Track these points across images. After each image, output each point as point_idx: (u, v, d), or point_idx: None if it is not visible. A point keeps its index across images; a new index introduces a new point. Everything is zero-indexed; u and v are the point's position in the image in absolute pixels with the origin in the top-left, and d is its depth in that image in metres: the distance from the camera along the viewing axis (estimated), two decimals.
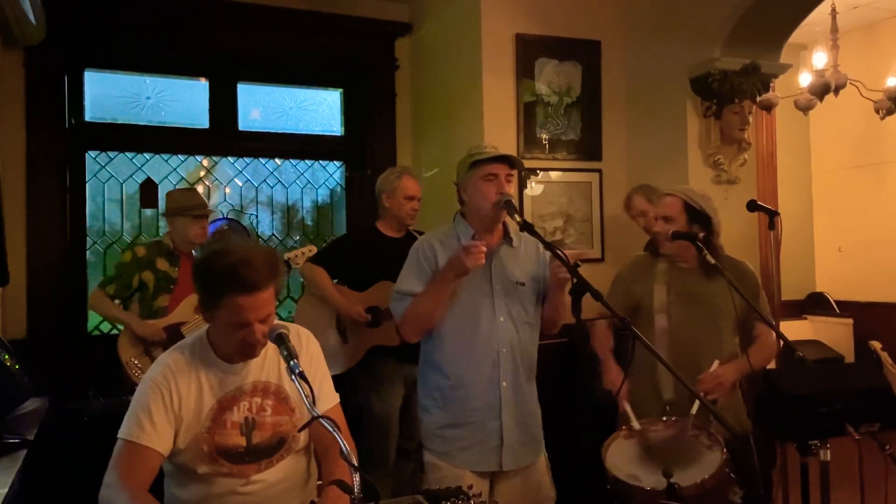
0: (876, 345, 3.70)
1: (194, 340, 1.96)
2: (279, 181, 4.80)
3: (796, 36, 3.94)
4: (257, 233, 4.74)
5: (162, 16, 4.22)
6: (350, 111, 4.93)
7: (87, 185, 4.28)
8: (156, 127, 4.47)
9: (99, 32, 4.15)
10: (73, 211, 4.15)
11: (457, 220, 2.55)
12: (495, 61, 3.99)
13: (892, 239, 5.95)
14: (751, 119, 3.93)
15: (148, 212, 4.42)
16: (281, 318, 2.46)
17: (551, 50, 4.13)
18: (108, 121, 4.38)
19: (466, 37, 4.10)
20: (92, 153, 4.31)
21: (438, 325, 2.46)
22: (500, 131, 3.95)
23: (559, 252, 2.24)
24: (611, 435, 2.36)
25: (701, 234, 2.67)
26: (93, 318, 4.18)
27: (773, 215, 3.05)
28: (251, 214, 4.73)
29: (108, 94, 4.38)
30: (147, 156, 4.45)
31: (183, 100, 4.55)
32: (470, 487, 1.84)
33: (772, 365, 3.60)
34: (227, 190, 4.69)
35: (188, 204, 3.54)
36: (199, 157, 4.63)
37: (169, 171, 4.50)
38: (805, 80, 4.81)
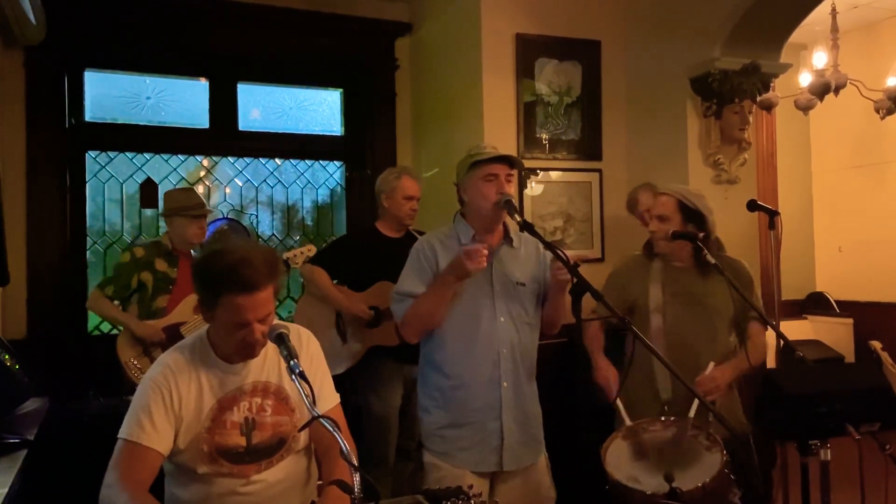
0: (876, 345, 3.69)
1: (194, 340, 1.96)
2: (279, 181, 4.80)
3: (796, 36, 3.94)
4: (257, 233, 4.74)
5: (162, 16, 4.22)
6: (350, 111, 4.92)
7: (87, 185, 4.28)
8: (156, 127, 4.47)
9: (99, 32, 4.15)
10: (73, 211, 4.15)
11: (457, 221, 2.55)
12: (495, 61, 3.99)
13: (892, 239, 5.95)
14: (751, 119, 3.93)
15: (148, 212, 4.42)
16: (281, 318, 2.46)
17: (551, 50, 4.13)
18: (108, 121, 4.38)
19: (466, 37, 4.10)
20: (92, 153, 4.31)
21: (439, 325, 2.45)
22: (500, 131, 3.95)
23: (559, 252, 2.24)
24: (609, 436, 2.36)
25: (701, 234, 2.67)
26: (93, 318, 4.18)
27: (773, 215, 3.05)
28: (251, 214, 4.73)
29: (108, 94, 4.38)
30: (147, 156, 4.45)
31: (183, 100, 4.55)
32: (470, 487, 1.84)
33: (772, 365, 3.60)
34: (227, 190, 4.69)
35: (186, 204, 3.54)
36: (199, 157, 4.63)
37: (169, 171, 4.50)
38: (805, 79, 4.81)
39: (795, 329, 5.73)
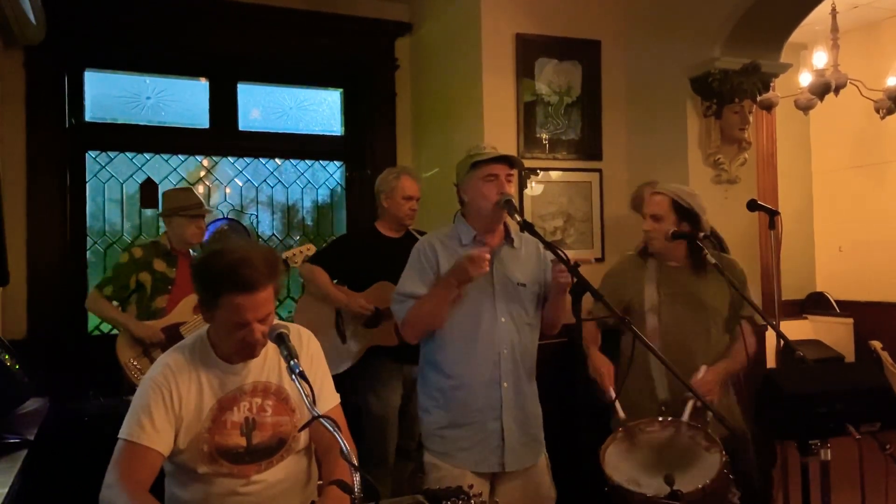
0: (876, 344, 3.69)
1: (195, 340, 1.96)
2: (279, 181, 4.80)
3: (796, 35, 3.94)
4: (257, 233, 4.74)
5: (162, 16, 4.22)
6: (350, 111, 4.92)
7: (87, 185, 4.28)
8: (156, 127, 4.47)
9: (99, 32, 4.14)
10: (73, 211, 4.15)
11: (457, 221, 2.55)
12: (495, 61, 3.99)
13: (892, 239, 5.95)
14: (751, 118, 3.93)
15: (148, 212, 4.42)
16: (281, 318, 2.46)
17: (551, 50, 4.12)
18: (108, 121, 4.38)
19: (466, 37, 4.10)
20: (92, 153, 4.31)
21: (440, 326, 2.45)
22: (500, 131, 3.95)
23: (559, 252, 2.24)
24: (608, 437, 2.36)
25: (701, 234, 2.67)
26: (93, 319, 4.18)
27: (773, 215, 3.05)
28: (251, 214, 4.73)
29: (108, 94, 4.37)
30: (147, 156, 4.45)
31: (183, 100, 4.55)
32: (470, 487, 1.85)
33: (772, 364, 3.60)
34: (228, 190, 4.69)
35: (184, 204, 3.53)
36: (199, 157, 4.62)
37: (169, 171, 4.50)
38: (805, 79, 4.82)
39: (795, 329, 5.73)
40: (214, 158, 4.67)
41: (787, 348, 2.50)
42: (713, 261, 2.59)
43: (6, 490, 2.05)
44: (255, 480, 1.92)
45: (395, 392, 3.53)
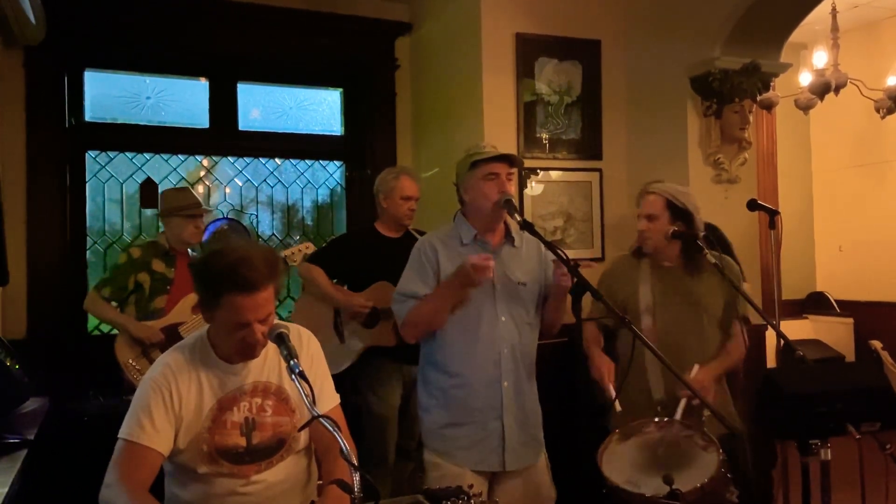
0: (876, 344, 3.69)
1: (195, 340, 1.96)
2: (279, 181, 4.80)
3: (796, 35, 3.94)
4: (257, 233, 4.74)
5: (162, 16, 4.22)
6: (350, 111, 4.92)
7: (87, 185, 4.27)
8: (156, 127, 4.46)
9: (99, 32, 4.14)
10: (73, 211, 4.15)
11: (458, 220, 2.55)
12: (495, 61, 3.99)
13: (892, 238, 5.95)
14: (751, 118, 3.93)
15: (148, 212, 4.41)
16: (281, 318, 2.46)
17: (551, 49, 4.12)
18: (108, 121, 4.38)
19: (466, 36, 4.10)
20: (92, 153, 4.30)
21: (440, 327, 2.46)
22: (500, 131, 3.95)
23: (560, 252, 2.24)
24: (605, 439, 2.36)
25: (701, 234, 2.67)
26: (93, 319, 4.17)
27: (773, 214, 3.05)
28: (251, 214, 4.73)
29: (108, 94, 4.37)
30: (147, 156, 4.45)
31: (183, 100, 4.54)
32: (470, 487, 1.84)
33: (772, 364, 3.60)
34: (227, 190, 4.69)
35: (181, 204, 3.52)
36: (199, 157, 4.62)
37: (169, 171, 4.49)
38: (805, 79, 4.82)
39: (796, 329, 5.74)
40: (214, 158, 4.66)
41: (788, 348, 2.50)
42: (713, 261, 2.59)
43: (6, 490, 2.05)
44: (254, 480, 1.92)
45: (394, 392, 3.53)
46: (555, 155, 4.14)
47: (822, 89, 4.60)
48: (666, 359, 2.25)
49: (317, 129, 4.90)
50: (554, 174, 4.15)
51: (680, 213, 2.67)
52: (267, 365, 1.97)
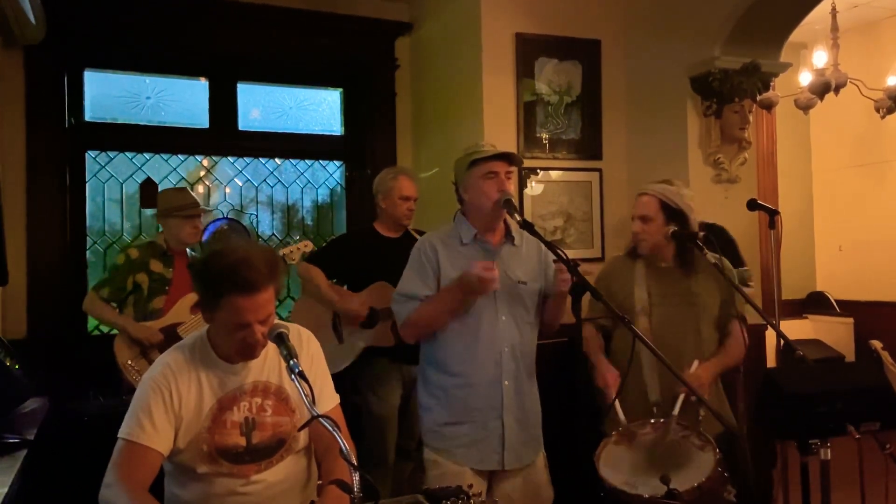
0: (876, 344, 3.69)
1: (195, 340, 1.96)
2: (279, 181, 4.80)
3: (796, 35, 3.94)
4: (257, 233, 4.74)
5: (162, 16, 4.22)
6: (350, 111, 4.92)
7: (87, 185, 4.27)
8: (156, 127, 4.46)
9: (99, 32, 4.14)
10: (73, 211, 4.15)
11: (458, 220, 2.55)
12: (495, 61, 3.99)
13: (892, 238, 5.95)
14: (751, 118, 3.93)
15: (148, 212, 4.41)
16: (280, 318, 2.46)
17: (551, 49, 4.12)
18: (108, 121, 4.38)
19: (466, 36, 4.10)
20: (92, 153, 4.30)
21: (441, 330, 2.46)
22: (500, 131, 3.95)
23: (559, 252, 2.24)
24: (601, 441, 2.36)
25: (701, 234, 2.67)
26: (93, 319, 4.18)
27: (773, 214, 3.05)
28: (251, 214, 4.73)
29: (108, 93, 4.37)
30: (147, 156, 4.45)
31: (183, 100, 4.54)
32: (470, 486, 1.84)
33: (772, 364, 3.60)
34: (227, 190, 4.69)
35: (178, 204, 3.50)
36: (199, 157, 4.62)
37: (169, 171, 4.49)
38: (805, 78, 4.82)
39: (796, 328, 5.74)
40: (214, 158, 4.67)
41: (788, 348, 2.50)
42: (713, 261, 2.59)
43: (6, 490, 2.05)
44: (254, 480, 1.92)
45: (394, 392, 3.53)
46: (555, 155, 4.14)
47: (822, 89, 4.60)
48: (665, 358, 2.24)
49: (317, 129, 4.90)
50: (554, 174, 4.15)
51: (674, 213, 2.67)
52: (267, 365, 1.97)
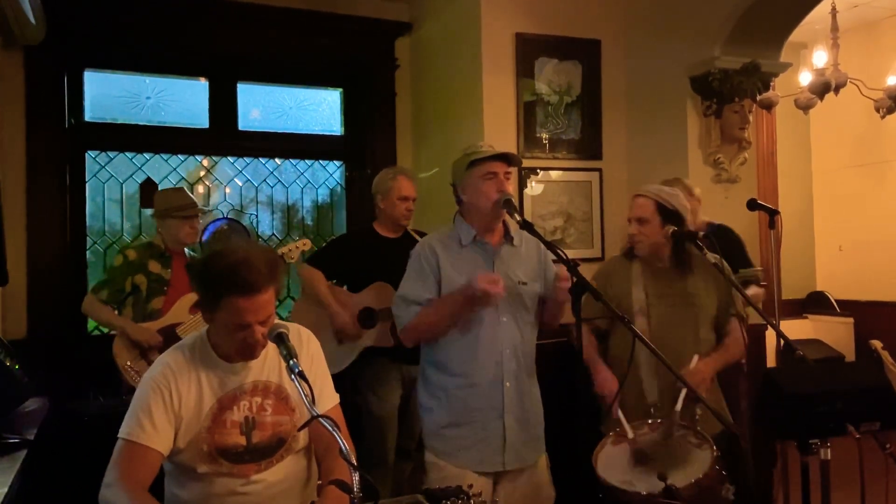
0: (876, 344, 3.69)
1: (194, 340, 1.96)
2: (279, 181, 4.80)
3: (796, 35, 3.94)
4: (257, 233, 4.74)
5: (162, 16, 4.22)
6: (350, 111, 4.92)
7: (87, 185, 4.27)
8: (156, 127, 4.47)
9: (99, 32, 4.14)
10: (73, 211, 4.15)
11: (457, 221, 2.54)
12: (495, 61, 3.99)
13: (892, 238, 5.95)
14: (751, 118, 3.93)
15: (148, 212, 4.41)
16: (281, 318, 2.46)
17: (551, 49, 4.12)
18: (108, 121, 4.38)
19: (466, 36, 4.10)
20: (92, 153, 4.30)
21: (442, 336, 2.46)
22: (500, 131, 3.95)
23: (559, 252, 2.24)
24: (599, 442, 2.36)
25: (701, 234, 2.67)
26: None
27: (773, 214, 3.05)
28: (251, 214, 4.73)
29: (108, 94, 4.37)
30: (147, 156, 4.45)
31: (183, 100, 4.55)
32: (470, 487, 1.84)
33: (772, 364, 3.60)
34: (227, 190, 4.69)
35: (175, 205, 3.49)
36: (199, 157, 4.62)
37: (169, 171, 4.50)
38: (805, 78, 4.82)
39: (796, 328, 5.74)
40: (214, 158, 4.67)
41: (788, 348, 2.50)
42: (713, 261, 2.59)
43: (6, 490, 2.06)
44: (254, 480, 1.92)
45: (394, 392, 3.53)
46: (555, 155, 4.14)
47: (822, 89, 4.60)
48: (665, 357, 2.24)
49: (317, 129, 4.90)
50: (554, 174, 4.15)
51: (670, 214, 2.67)
52: (267, 364, 1.97)
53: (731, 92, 3.78)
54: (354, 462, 1.58)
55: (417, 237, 3.38)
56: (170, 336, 3.30)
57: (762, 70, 3.82)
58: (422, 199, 3.69)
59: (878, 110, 4.99)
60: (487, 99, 3.97)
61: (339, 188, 4.96)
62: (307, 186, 4.87)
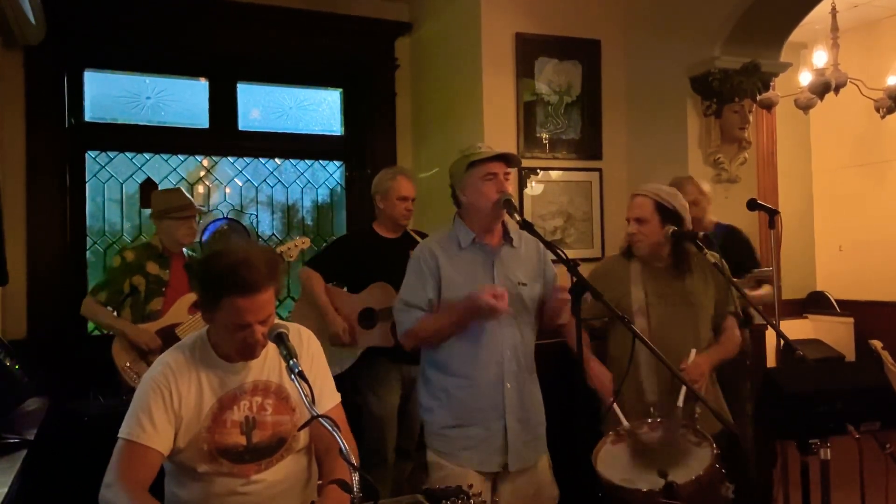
0: (876, 343, 3.70)
1: (194, 340, 1.96)
2: (279, 181, 4.80)
3: (796, 34, 3.94)
4: (257, 233, 4.74)
5: (162, 16, 4.22)
6: (350, 111, 4.92)
7: (87, 185, 4.28)
8: (156, 127, 4.47)
9: (99, 32, 4.15)
10: (73, 211, 4.15)
11: (455, 223, 2.54)
12: (495, 60, 3.99)
13: (892, 238, 5.95)
14: (751, 118, 3.93)
15: (147, 211, 4.41)
16: (281, 318, 2.46)
17: (551, 49, 4.13)
18: (108, 121, 4.38)
19: (466, 36, 4.10)
20: (92, 153, 4.31)
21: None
22: (500, 131, 3.95)
23: (559, 252, 2.24)
24: (599, 441, 2.36)
25: (701, 234, 2.67)
26: None
27: (773, 214, 3.05)
28: (251, 214, 4.73)
29: (108, 94, 4.38)
30: (147, 156, 4.46)
31: (183, 100, 4.55)
32: (470, 487, 1.84)
33: (772, 364, 3.60)
34: (227, 190, 4.69)
35: (172, 206, 3.47)
36: (199, 157, 4.63)
37: (169, 171, 4.50)
38: (805, 78, 4.82)
39: (796, 328, 5.74)
40: (214, 158, 4.67)
41: (788, 348, 2.50)
42: (713, 260, 2.59)
43: (6, 490, 2.05)
44: (254, 480, 1.92)
45: (393, 391, 3.53)
46: (555, 155, 4.14)
47: (822, 89, 4.60)
48: (664, 357, 2.24)
49: (317, 129, 4.90)
50: (554, 174, 4.15)
51: (669, 214, 2.66)
52: (267, 364, 1.97)
53: (731, 92, 3.78)
54: (354, 462, 1.58)
55: (417, 237, 3.39)
56: (169, 336, 3.29)
57: (762, 70, 3.83)
58: (422, 199, 3.69)
59: (878, 110, 4.99)
60: (487, 99, 3.97)
61: (339, 188, 4.96)
62: (307, 186, 4.87)
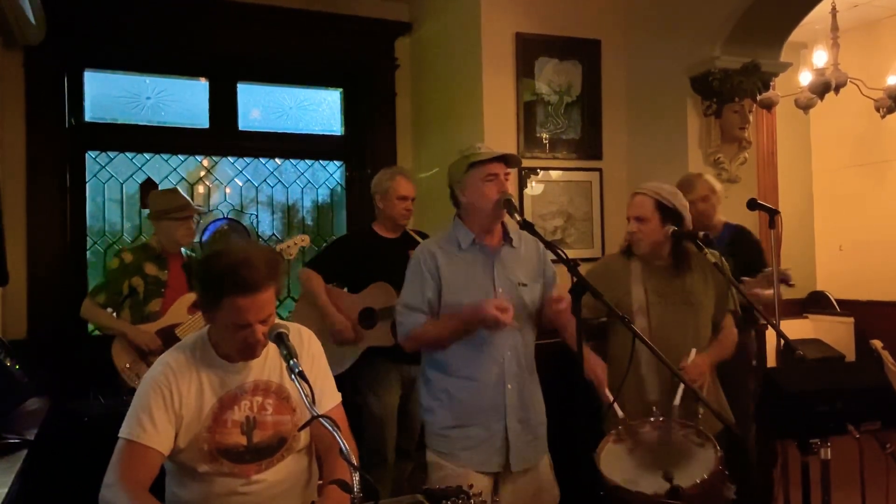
0: (877, 343, 3.69)
1: (195, 340, 1.96)
2: (279, 181, 4.80)
3: (796, 34, 3.94)
4: (257, 233, 4.74)
5: (162, 16, 4.22)
6: (350, 111, 4.93)
7: (87, 185, 4.28)
8: (156, 127, 4.47)
9: (99, 32, 4.15)
10: (73, 211, 4.15)
11: (455, 224, 2.53)
12: (495, 60, 3.99)
13: (892, 238, 5.95)
14: (751, 118, 3.93)
15: (147, 212, 4.41)
16: (281, 318, 2.46)
17: (551, 49, 4.13)
18: (108, 121, 4.38)
19: (466, 36, 4.10)
20: (92, 153, 4.31)
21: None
22: (500, 131, 3.95)
23: (559, 252, 2.24)
24: (601, 440, 2.35)
25: (701, 233, 2.67)
26: None
27: (773, 214, 3.05)
28: (251, 214, 4.73)
29: (108, 94, 4.38)
30: (147, 156, 4.46)
31: (183, 100, 4.55)
32: (470, 487, 1.84)
33: (772, 364, 3.60)
34: (228, 190, 4.69)
35: (171, 206, 3.47)
36: (199, 157, 4.63)
37: (169, 171, 4.50)
38: (805, 78, 4.82)
39: (796, 328, 5.74)
40: (214, 158, 4.67)
41: (788, 347, 2.50)
42: (713, 260, 2.59)
43: (6, 490, 2.05)
44: (255, 480, 1.92)
45: (393, 391, 3.53)
46: (555, 155, 4.14)
47: (822, 89, 4.60)
48: (665, 357, 2.24)
49: (317, 129, 4.90)
50: (554, 174, 4.15)
51: (670, 213, 2.66)
52: (268, 364, 1.97)
53: (731, 92, 3.78)
54: (355, 462, 1.58)
55: (417, 237, 3.39)
56: (169, 337, 3.29)
57: (762, 70, 3.83)
58: (422, 199, 3.69)
59: (878, 110, 4.99)
60: (487, 99, 3.97)
61: (339, 188, 4.96)
62: (307, 186, 4.87)
